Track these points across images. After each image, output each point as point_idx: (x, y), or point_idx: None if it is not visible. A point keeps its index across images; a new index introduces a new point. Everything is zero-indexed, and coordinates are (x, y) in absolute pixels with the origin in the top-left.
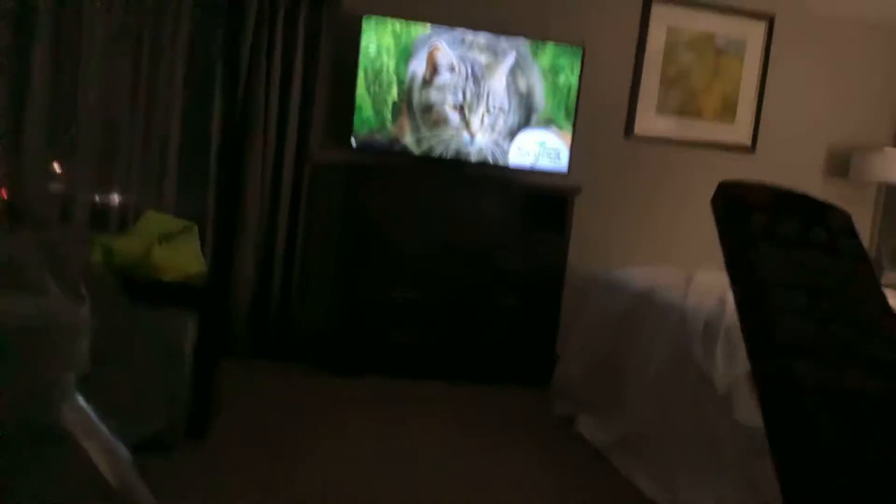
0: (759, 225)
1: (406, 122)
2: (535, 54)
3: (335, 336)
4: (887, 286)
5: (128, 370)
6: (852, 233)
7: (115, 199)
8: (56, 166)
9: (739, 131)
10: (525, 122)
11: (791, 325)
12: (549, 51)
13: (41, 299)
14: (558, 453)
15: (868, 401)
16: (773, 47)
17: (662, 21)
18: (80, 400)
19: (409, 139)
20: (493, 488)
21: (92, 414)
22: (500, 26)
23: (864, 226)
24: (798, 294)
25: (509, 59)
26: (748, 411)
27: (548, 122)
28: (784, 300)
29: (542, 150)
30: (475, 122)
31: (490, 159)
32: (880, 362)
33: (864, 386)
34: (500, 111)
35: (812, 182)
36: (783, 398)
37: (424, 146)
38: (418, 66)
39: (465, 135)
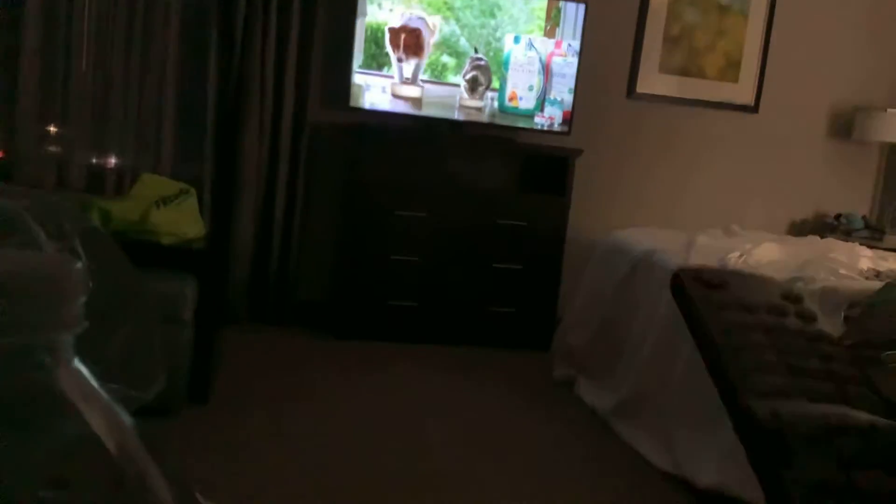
0: (719, 298)
1: (405, 83)
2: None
3: (335, 300)
4: (887, 250)
5: (128, 333)
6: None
7: (112, 162)
8: (52, 129)
9: (743, 91)
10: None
11: (763, 380)
12: None
13: (32, 255)
14: (558, 417)
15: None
16: (777, 4)
17: None
18: (78, 363)
19: (407, 100)
20: (491, 450)
21: (90, 378)
22: None
23: (866, 187)
24: (768, 352)
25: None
26: None
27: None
28: (753, 359)
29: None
30: (474, 83)
31: (490, 120)
32: (864, 404)
33: (848, 423)
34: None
35: (815, 142)
36: (765, 439)
37: (424, 106)
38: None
39: (465, 95)
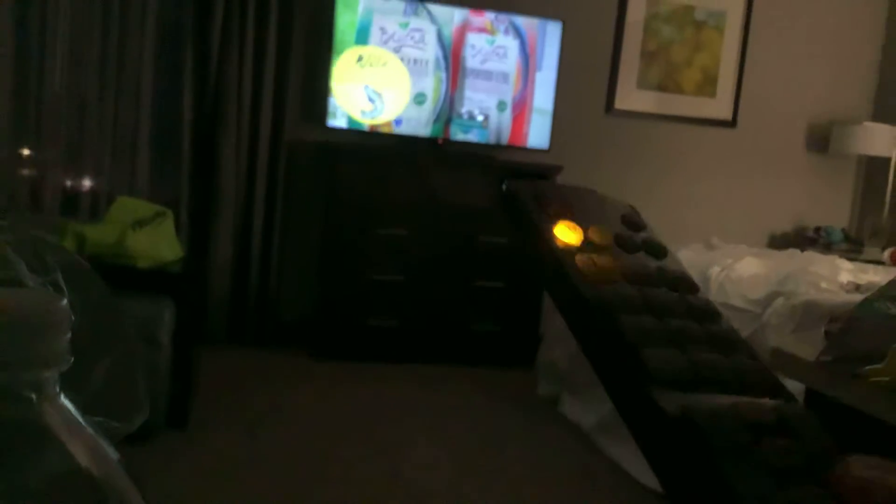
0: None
1: (383, 99)
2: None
3: (315, 320)
4: (867, 262)
5: (111, 365)
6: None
7: (87, 184)
8: (25, 151)
9: (720, 105)
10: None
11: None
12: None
13: (16, 291)
14: (543, 434)
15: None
16: (753, 19)
17: None
18: (63, 398)
19: (385, 116)
20: (476, 470)
21: (75, 412)
22: (480, 3)
23: (845, 200)
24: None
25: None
26: None
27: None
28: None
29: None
30: (452, 98)
31: (469, 138)
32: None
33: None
34: (476, 87)
35: (793, 156)
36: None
37: (401, 123)
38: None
39: (444, 112)
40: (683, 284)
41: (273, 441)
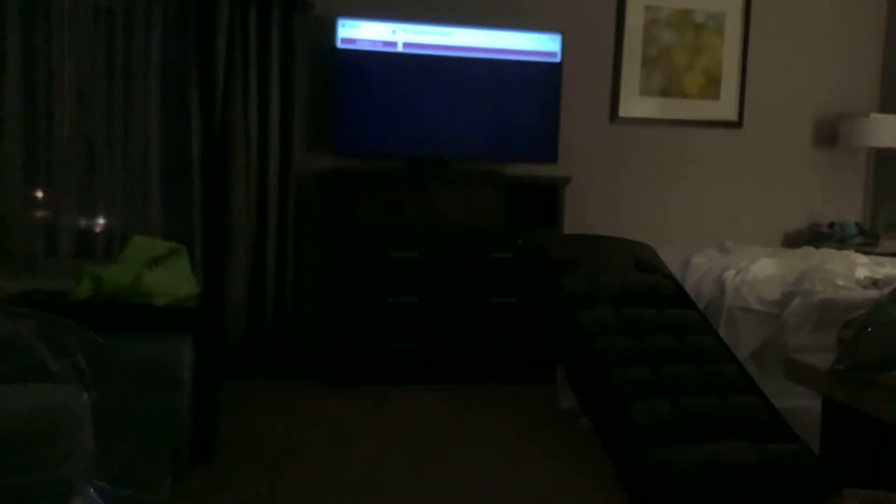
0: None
1: (389, 122)
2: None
3: (332, 348)
4: (883, 255)
5: (133, 439)
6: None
7: (100, 224)
8: (38, 195)
9: (725, 107)
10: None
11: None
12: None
13: (43, 388)
14: (566, 449)
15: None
16: (752, 17)
17: (639, 0)
18: (91, 490)
19: (391, 139)
20: (501, 491)
21: (103, 501)
22: (477, 20)
23: (857, 193)
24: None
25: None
26: None
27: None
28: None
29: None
30: (458, 117)
31: (476, 156)
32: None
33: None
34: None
35: (802, 153)
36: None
37: (408, 146)
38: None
39: (450, 132)
40: (688, 326)
41: (298, 474)
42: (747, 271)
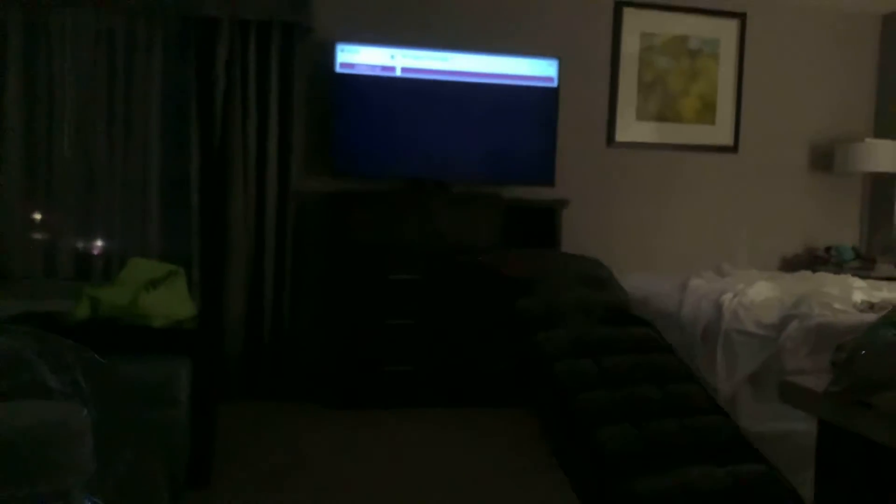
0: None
1: (387, 145)
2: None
3: (330, 370)
4: (880, 279)
5: (132, 455)
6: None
7: (99, 245)
8: (37, 216)
9: (721, 132)
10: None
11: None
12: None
13: (43, 404)
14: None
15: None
16: (747, 44)
17: (635, 27)
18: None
19: (390, 161)
20: None
21: None
22: (474, 46)
23: (853, 217)
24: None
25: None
26: (751, 417)
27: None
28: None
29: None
30: (456, 141)
31: (474, 179)
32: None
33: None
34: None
35: (798, 177)
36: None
37: (407, 168)
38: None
39: (448, 154)
40: (644, 342)
41: (295, 495)
42: (745, 294)
